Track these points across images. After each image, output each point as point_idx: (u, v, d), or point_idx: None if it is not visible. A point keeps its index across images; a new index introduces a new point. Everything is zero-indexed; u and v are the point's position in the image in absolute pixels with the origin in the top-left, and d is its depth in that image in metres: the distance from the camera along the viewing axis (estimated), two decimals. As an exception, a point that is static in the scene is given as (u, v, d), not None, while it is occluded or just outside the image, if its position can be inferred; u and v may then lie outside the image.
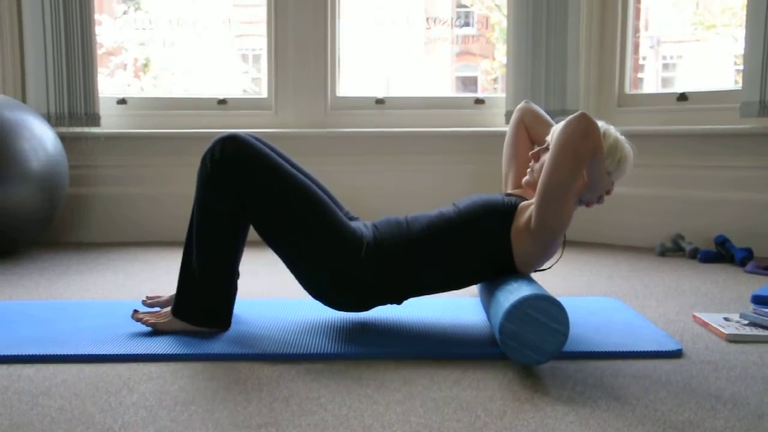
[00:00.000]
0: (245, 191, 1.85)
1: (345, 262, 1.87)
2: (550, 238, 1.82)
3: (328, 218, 1.88)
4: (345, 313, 2.07)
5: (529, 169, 1.98)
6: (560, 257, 2.01)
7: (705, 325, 2.04)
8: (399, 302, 1.98)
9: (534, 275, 2.39)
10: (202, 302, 1.93)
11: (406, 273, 1.90)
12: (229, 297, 1.96)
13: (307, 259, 1.89)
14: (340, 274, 1.88)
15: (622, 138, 1.92)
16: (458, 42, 4.72)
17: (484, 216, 1.88)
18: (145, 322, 1.92)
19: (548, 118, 2.15)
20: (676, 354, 1.77)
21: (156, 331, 1.91)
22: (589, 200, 1.89)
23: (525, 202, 1.89)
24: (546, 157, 1.82)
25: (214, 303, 1.94)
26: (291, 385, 1.56)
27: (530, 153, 1.99)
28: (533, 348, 1.62)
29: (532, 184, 1.94)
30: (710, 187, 3.34)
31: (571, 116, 1.73)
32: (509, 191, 2.15)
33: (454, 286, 1.97)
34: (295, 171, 1.92)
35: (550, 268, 2.04)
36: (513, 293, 1.68)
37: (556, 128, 1.83)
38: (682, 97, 3.51)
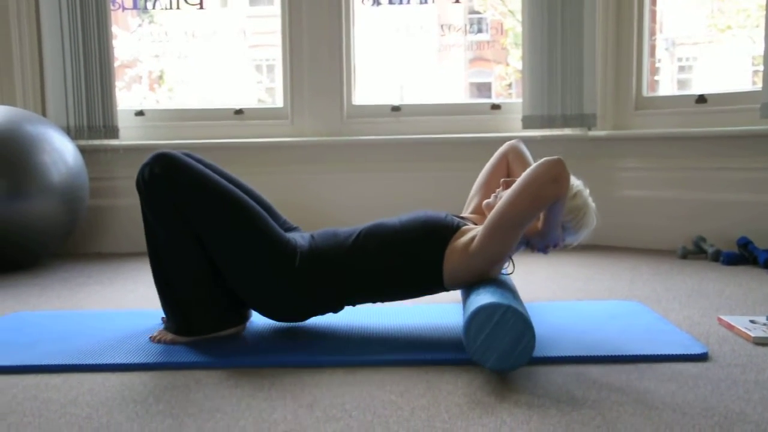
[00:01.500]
0: (180, 206, 1.86)
1: (279, 271, 1.88)
2: (484, 264, 1.84)
3: (260, 228, 1.89)
4: (286, 323, 2.07)
5: (494, 194, 2.00)
6: (513, 270, 2.01)
7: (730, 327, 2.02)
8: (336, 311, 1.99)
9: (548, 280, 2.38)
10: (195, 313, 1.93)
11: (339, 284, 1.91)
12: (219, 297, 1.95)
13: (241, 269, 1.90)
14: (274, 283, 1.89)
15: (592, 205, 1.95)
16: (472, 48, 4.72)
17: (421, 233, 1.89)
18: (163, 341, 1.93)
19: (532, 161, 2.17)
20: (702, 357, 1.75)
21: (176, 344, 1.92)
22: (534, 245, 1.92)
23: (469, 226, 1.91)
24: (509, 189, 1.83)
25: (206, 309, 1.94)
26: (315, 392, 1.56)
27: (502, 180, 2.01)
28: (516, 341, 1.60)
29: (490, 208, 1.96)
30: (731, 188, 3.31)
31: (548, 158, 1.74)
32: (464, 214, 2.20)
33: (385, 298, 1.97)
34: (225, 182, 1.92)
35: (510, 274, 2.03)
36: (464, 315, 1.70)
37: (531, 167, 1.86)
38: (701, 99, 3.49)
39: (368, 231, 1.94)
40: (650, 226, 3.50)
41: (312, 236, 1.98)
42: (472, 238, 1.83)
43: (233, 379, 1.65)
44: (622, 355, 1.76)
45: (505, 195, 1.77)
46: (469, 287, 1.87)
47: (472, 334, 1.61)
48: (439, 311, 2.20)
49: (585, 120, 3.54)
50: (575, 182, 1.91)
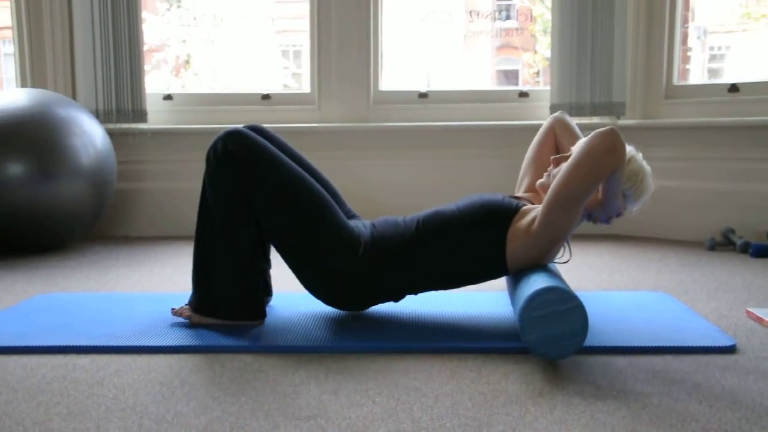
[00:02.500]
0: (247, 186, 1.86)
1: (342, 260, 1.87)
2: (548, 244, 1.82)
3: (327, 216, 1.89)
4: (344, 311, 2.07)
5: (546, 173, 1.96)
6: (570, 259, 1.98)
7: (759, 320, 1.99)
8: (396, 300, 1.98)
9: (575, 269, 2.36)
10: (227, 297, 1.94)
11: (401, 272, 1.90)
12: (255, 288, 1.96)
13: (304, 256, 1.90)
14: (337, 272, 1.89)
15: (647, 168, 1.91)
16: (499, 35, 4.68)
17: (482, 216, 1.87)
18: (182, 314, 1.95)
19: (579, 132, 2.14)
20: (730, 349, 1.73)
21: (192, 324, 1.94)
22: (596, 217, 1.88)
23: (528, 206, 1.89)
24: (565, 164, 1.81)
25: (240, 296, 1.95)
26: (339, 378, 1.56)
27: (552, 157, 1.97)
28: (565, 337, 1.60)
29: (545, 187, 1.93)
30: (762, 179, 3.26)
31: (600, 129, 1.71)
32: (519, 194, 2.16)
33: (448, 285, 1.97)
34: (296, 167, 1.92)
35: (566, 263, 2.00)
36: (518, 303, 1.69)
37: (583, 140, 1.83)
38: (734, 88, 3.43)
39: (427, 218, 1.92)
40: (678, 217, 3.46)
41: (373, 225, 1.98)
42: (533, 219, 1.81)
43: (258, 363, 1.67)
44: (649, 346, 1.74)
45: (562, 171, 1.74)
46: (524, 273, 1.84)
47: (534, 305, 1.60)
48: (464, 300, 2.19)
49: (614, 108, 3.50)
50: (627, 147, 1.84)
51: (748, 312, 2.07)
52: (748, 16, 4.13)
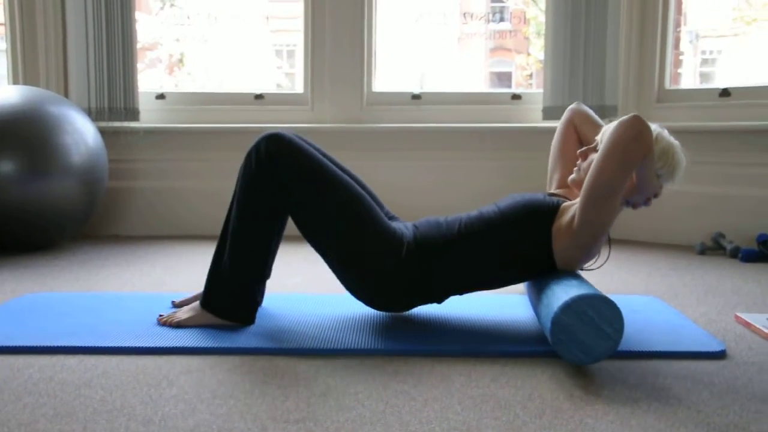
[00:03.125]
0: (289, 191, 1.86)
1: (386, 262, 1.86)
2: (591, 239, 1.80)
3: (370, 219, 1.88)
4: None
5: (576, 168, 1.96)
6: (608, 258, 1.98)
7: (748, 325, 2.00)
8: (439, 301, 1.98)
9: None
10: (231, 296, 1.94)
11: (446, 273, 1.89)
12: (257, 294, 1.98)
13: (348, 259, 1.89)
14: (381, 274, 1.88)
15: (675, 143, 1.90)
16: (493, 37, 4.69)
17: (525, 216, 1.86)
18: (169, 323, 1.94)
19: (599, 119, 2.13)
20: (720, 355, 1.74)
21: (180, 327, 1.93)
22: (635, 202, 1.87)
23: (567, 203, 1.87)
24: (594, 157, 1.80)
25: (243, 298, 1.95)
26: (328, 380, 1.56)
27: (578, 151, 1.97)
28: (582, 347, 1.60)
29: (578, 183, 1.93)
30: (753, 184, 3.27)
31: (623, 117, 1.70)
32: (553, 191, 2.15)
33: (494, 285, 1.96)
34: (338, 170, 1.92)
35: (598, 268, 2.01)
36: (573, 288, 1.66)
37: (607, 129, 1.82)
38: (725, 92, 3.44)
39: (470, 219, 1.91)
40: (669, 221, 3.47)
41: (415, 226, 1.97)
42: (573, 216, 1.80)
43: (247, 365, 1.66)
44: (638, 351, 1.75)
45: (593, 166, 1.73)
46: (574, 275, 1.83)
47: (601, 307, 1.59)
48: (453, 303, 2.19)
49: (606, 112, 3.51)
50: (651, 126, 1.82)
51: (737, 317, 2.08)
52: (741, 19, 4.15)
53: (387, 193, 3.62)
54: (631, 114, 1.70)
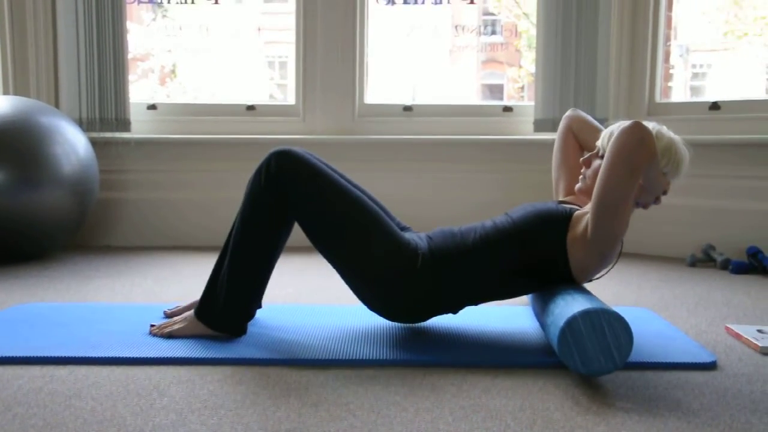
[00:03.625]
0: (301, 206, 1.86)
1: (401, 273, 1.86)
2: (607, 247, 1.79)
3: (383, 231, 1.88)
4: (403, 324, 2.06)
5: (581, 176, 1.97)
6: (615, 264, 1.99)
7: (738, 336, 2.01)
8: (455, 312, 1.97)
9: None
10: (227, 309, 1.93)
11: (462, 283, 1.89)
12: (252, 308, 1.97)
13: (364, 271, 1.89)
14: (397, 285, 1.87)
15: (676, 138, 1.91)
16: (484, 50, 4.71)
17: (539, 226, 1.86)
18: (162, 335, 1.93)
19: (597, 124, 2.15)
20: (710, 366, 1.74)
21: (171, 337, 1.92)
22: (645, 202, 1.88)
23: (580, 211, 1.87)
24: (599, 165, 1.81)
25: (237, 311, 1.94)
26: (319, 391, 1.56)
27: (581, 159, 1.98)
28: (584, 356, 1.59)
29: (585, 191, 1.94)
30: (742, 197, 3.29)
31: (624, 124, 1.71)
32: (561, 199, 2.15)
33: (510, 294, 1.96)
34: (349, 185, 1.93)
35: (601, 276, 2.01)
36: (596, 301, 1.67)
37: (607, 134, 1.83)
38: (715, 106, 3.47)
39: (485, 229, 1.91)
40: (659, 233, 3.48)
41: (429, 237, 1.96)
42: (587, 225, 1.79)
43: (238, 375, 1.66)
44: (629, 362, 1.74)
45: (600, 175, 1.72)
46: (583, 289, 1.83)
47: (612, 319, 1.59)
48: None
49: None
50: (650, 125, 1.84)
51: (727, 328, 2.09)
52: (732, 33, 4.19)
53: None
54: (632, 120, 1.71)
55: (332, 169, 2.00)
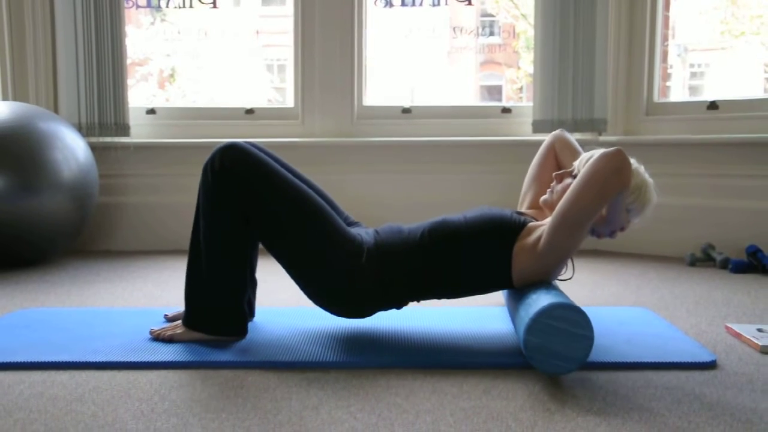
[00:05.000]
0: (246, 200, 1.86)
1: (345, 268, 1.87)
2: (554, 262, 1.83)
3: (328, 225, 1.88)
4: (351, 319, 2.06)
5: (549, 190, 1.98)
6: (572, 276, 2.00)
7: (738, 336, 2.01)
8: (399, 307, 1.98)
9: (560, 285, 2.37)
10: (214, 311, 1.93)
11: (406, 279, 1.90)
12: (241, 305, 1.96)
13: (308, 266, 1.89)
14: (341, 279, 1.88)
15: (650, 181, 1.94)
16: (483, 51, 4.72)
17: (489, 230, 1.88)
18: (162, 338, 1.93)
19: (579, 148, 2.16)
20: (710, 365, 1.75)
21: (172, 341, 1.92)
22: (601, 232, 1.90)
23: (534, 223, 1.90)
24: (570, 183, 1.83)
25: (226, 312, 1.94)
26: (320, 394, 1.56)
27: (554, 173, 1.99)
28: (561, 357, 1.61)
29: (549, 204, 1.95)
30: (741, 196, 3.30)
31: (607, 149, 1.73)
32: (522, 210, 2.17)
33: (452, 294, 1.96)
34: (294, 178, 1.93)
35: (569, 279, 2.02)
36: (532, 305, 1.68)
37: (585, 156, 1.85)
38: (713, 105, 3.48)
39: (434, 227, 1.92)
40: (659, 233, 3.48)
41: (377, 232, 1.97)
42: (539, 237, 1.81)
43: (239, 379, 1.66)
44: (629, 362, 1.75)
45: (569, 191, 1.75)
46: (538, 285, 1.84)
47: (555, 313, 1.60)
48: (444, 315, 2.20)
49: (595, 125, 3.54)
50: (631, 160, 1.84)
51: (727, 327, 2.09)
52: (729, 32, 4.19)
53: (377, 206, 3.64)
54: (615, 147, 1.72)
55: (280, 163, 2.01)
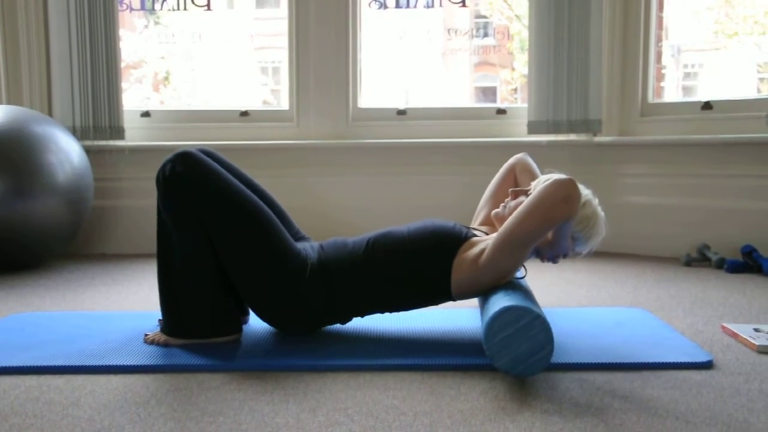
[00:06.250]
0: (194, 208, 1.86)
1: (288, 282, 1.87)
2: (492, 277, 1.84)
3: (273, 238, 1.88)
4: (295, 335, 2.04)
5: (503, 204, 1.99)
6: (525, 274, 2.01)
7: (734, 335, 2.01)
8: (343, 322, 1.99)
9: (552, 286, 2.37)
10: (195, 316, 1.92)
11: (348, 294, 1.90)
12: (221, 307, 1.94)
13: (252, 278, 1.89)
14: (284, 294, 1.88)
15: (601, 214, 1.95)
16: (477, 52, 4.72)
17: (430, 242, 1.89)
18: (158, 342, 1.93)
19: (538, 173, 2.18)
20: (707, 365, 1.75)
21: (167, 345, 1.91)
22: (544, 255, 1.92)
23: (478, 238, 1.91)
24: (524, 200, 1.83)
25: (208, 314, 1.93)
26: (317, 396, 1.56)
27: (510, 189, 2.01)
28: (534, 351, 1.60)
29: (500, 218, 1.97)
30: (736, 196, 3.31)
31: (560, 177, 1.74)
32: (475, 225, 2.19)
33: (393, 308, 1.97)
34: (244, 189, 1.92)
35: (522, 278, 2.02)
36: (482, 326, 1.69)
37: (543, 178, 1.87)
38: (707, 105, 3.48)
39: (376, 241, 1.93)
40: (654, 233, 3.49)
41: (321, 246, 1.98)
42: (482, 251, 1.83)
43: (235, 382, 1.65)
44: (627, 363, 1.75)
45: (516, 212, 1.77)
46: (488, 293, 1.85)
47: (494, 329, 1.61)
48: (441, 316, 2.20)
49: (590, 126, 3.54)
50: (584, 191, 1.89)
51: (723, 327, 2.09)
52: (722, 32, 4.20)
53: (372, 208, 3.64)
54: (568, 177, 1.73)
55: (234, 172, 2.01)
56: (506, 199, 1.99)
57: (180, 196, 1.87)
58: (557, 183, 1.72)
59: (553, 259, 1.92)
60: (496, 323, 1.61)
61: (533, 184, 1.95)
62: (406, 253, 1.89)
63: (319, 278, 1.88)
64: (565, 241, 1.85)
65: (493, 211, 2.01)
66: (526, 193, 1.95)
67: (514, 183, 2.22)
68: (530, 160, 2.24)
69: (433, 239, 1.89)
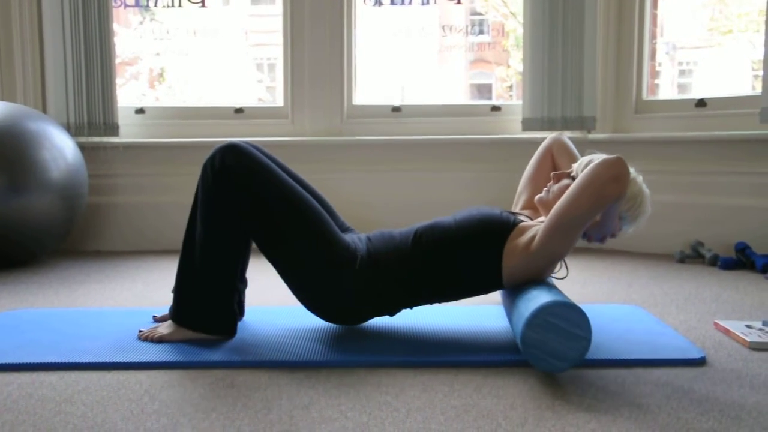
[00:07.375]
0: (244, 201, 1.86)
1: (339, 274, 1.87)
2: (546, 263, 1.83)
3: (323, 230, 1.88)
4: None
5: (546, 189, 1.98)
6: (567, 275, 2.01)
7: (727, 332, 2.02)
8: (392, 314, 1.99)
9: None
10: (205, 309, 1.93)
11: (399, 286, 1.90)
12: (231, 304, 1.95)
13: (301, 270, 1.89)
14: (334, 286, 1.88)
15: (647, 191, 1.94)
16: (473, 50, 4.72)
17: (479, 230, 1.88)
18: (151, 339, 1.93)
19: (577, 153, 2.16)
20: (699, 362, 1.75)
21: (161, 342, 1.92)
22: (592, 236, 1.90)
23: (526, 222, 1.90)
24: (567, 184, 1.84)
25: (218, 310, 1.94)
26: (311, 393, 1.56)
27: (552, 173, 1.99)
28: (556, 356, 1.61)
29: (544, 204, 1.95)
30: (730, 193, 3.31)
31: (608, 156, 1.73)
32: (517, 210, 2.17)
33: (445, 299, 1.97)
34: (292, 181, 1.92)
35: (564, 278, 2.03)
36: (532, 301, 1.68)
37: (585, 160, 1.86)
38: (701, 103, 3.49)
39: (423, 232, 1.92)
40: (648, 230, 3.47)
41: (368, 238, 1.97)
42: (532, 237, 1.81)
43: (229, 378, 1.65)
44: (619, 359, 1.76)
45: (566, 194, 1.75)
46: (535, 284, 1.83)
47: (556, 310, 1.60)
48: (435, 313, 2.20)
49: (585, 123, 3.55)
50: (631, 169, 1.86)
51: (716, 324, 2.10)
52: (716, 30, 4.21)
53: (367, 205, 3.64)
54: (616, 155, 1.72)
55: (280, 166, 2.01)
56: (549, 183, 1.98)
57: (230, 188, 1.85)
58: (607, 162, 1.71)
59: (601, 240, 1.90)
60: (561, 309, 1.61)
61: (575, 166, 1.93)
62: (455, 243, 1.87)
63: (369, 271, 1.87)
64: (613, 221, 1.84)
65: (537, 197, 2.00)
66: (568, 176, 1.93)
67: (552, 164, 2.21)
68: (567, 141, 2.22)
69: (482, 227, 1.88)
